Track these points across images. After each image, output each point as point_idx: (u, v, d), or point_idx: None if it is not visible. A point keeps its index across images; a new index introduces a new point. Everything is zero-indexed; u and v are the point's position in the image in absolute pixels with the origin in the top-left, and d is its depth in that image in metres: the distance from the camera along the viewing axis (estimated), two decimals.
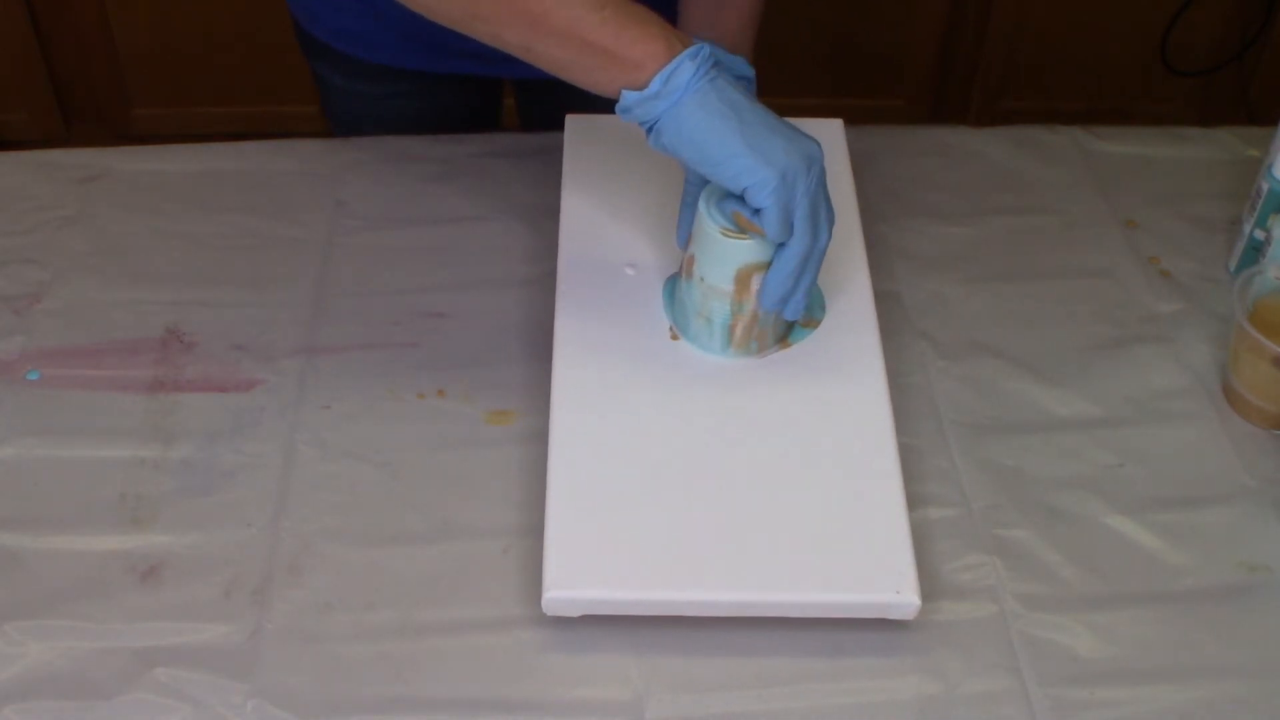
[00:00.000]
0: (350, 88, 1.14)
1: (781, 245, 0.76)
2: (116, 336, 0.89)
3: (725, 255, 0.79)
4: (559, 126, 1.05)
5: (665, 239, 0.89)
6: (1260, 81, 2.20)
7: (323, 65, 1.14)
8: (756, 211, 0.75)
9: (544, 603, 0.70)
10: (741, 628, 0.73)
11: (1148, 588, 0.77)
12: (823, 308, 0.85)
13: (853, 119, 1.12)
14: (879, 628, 0.73)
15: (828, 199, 0.76)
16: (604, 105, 0.99)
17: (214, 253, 0.95)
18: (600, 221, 0.89)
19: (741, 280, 0.80)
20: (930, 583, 0.74)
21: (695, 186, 0.82)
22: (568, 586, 0.71)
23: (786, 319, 0.81)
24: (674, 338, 0.84)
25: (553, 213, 0.94)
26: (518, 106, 1.22)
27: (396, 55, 1.06)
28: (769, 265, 0.79)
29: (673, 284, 0.86)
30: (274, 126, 1.78)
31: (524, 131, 1.07)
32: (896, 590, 0.71)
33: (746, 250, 0.78)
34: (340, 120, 1.17)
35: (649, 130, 0.75)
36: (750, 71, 0.80)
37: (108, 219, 0.98)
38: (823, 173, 0.75)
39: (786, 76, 2.17)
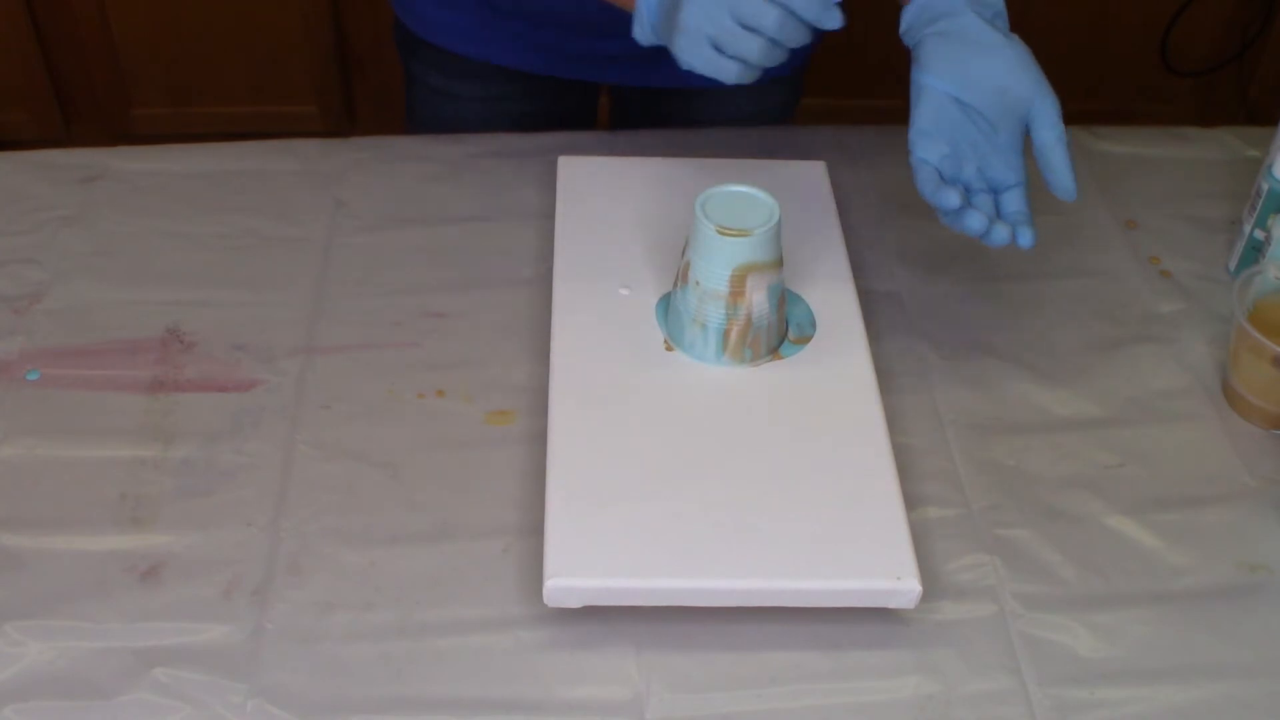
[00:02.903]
0: (446, 88, 1.13)
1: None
2: (116, 336, 0.89)
3: (722, 255, 0.79)
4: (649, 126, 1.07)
5: (658, 265, 0.89)
6: (1260, 81, 2.20)
7: (418, 64, 1.13)
8: None
9: (545, 592, 0.71)
10: (742, 627, 0.73)
11: (1148, 588, 0.77)
12: (813, 324, 0.86)
13: (853, 119, 1.12)
14: (879, 627, 0.73)
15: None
16: (694, 116, 1.00)
17: (214, 253, 0.95)
18: (593, 253, 0.90)
19: (737, 281, 0.80)
20: (930, 582, 0.74)
21: None
22: (568, 575, 0.71)
23: (1025, 243, 0.80)
24: (669, 349, 0.84)
25: (553, 213, 0.94)
26: (610, 109, 1.22)
27: (501, 52, 1.06)
28: (764, 266, 0.80)
29: (667, 300, 0.86)
30: (274, 126, 1.78)
31: (526, 132, 1.07)
32: (897, 577, 0.71)
33: (743, 248, 0.79)
34: (426, 125, 1.16)
35: None
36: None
37: (108, 219, 0.98)
38: None
39: None
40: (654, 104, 1.13)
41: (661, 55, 1.05)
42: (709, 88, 1.09)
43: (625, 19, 0.82)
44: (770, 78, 1.10)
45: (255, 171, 1.02)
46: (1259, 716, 0.71)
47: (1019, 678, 0.72)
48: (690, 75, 1.07)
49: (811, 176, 0.98)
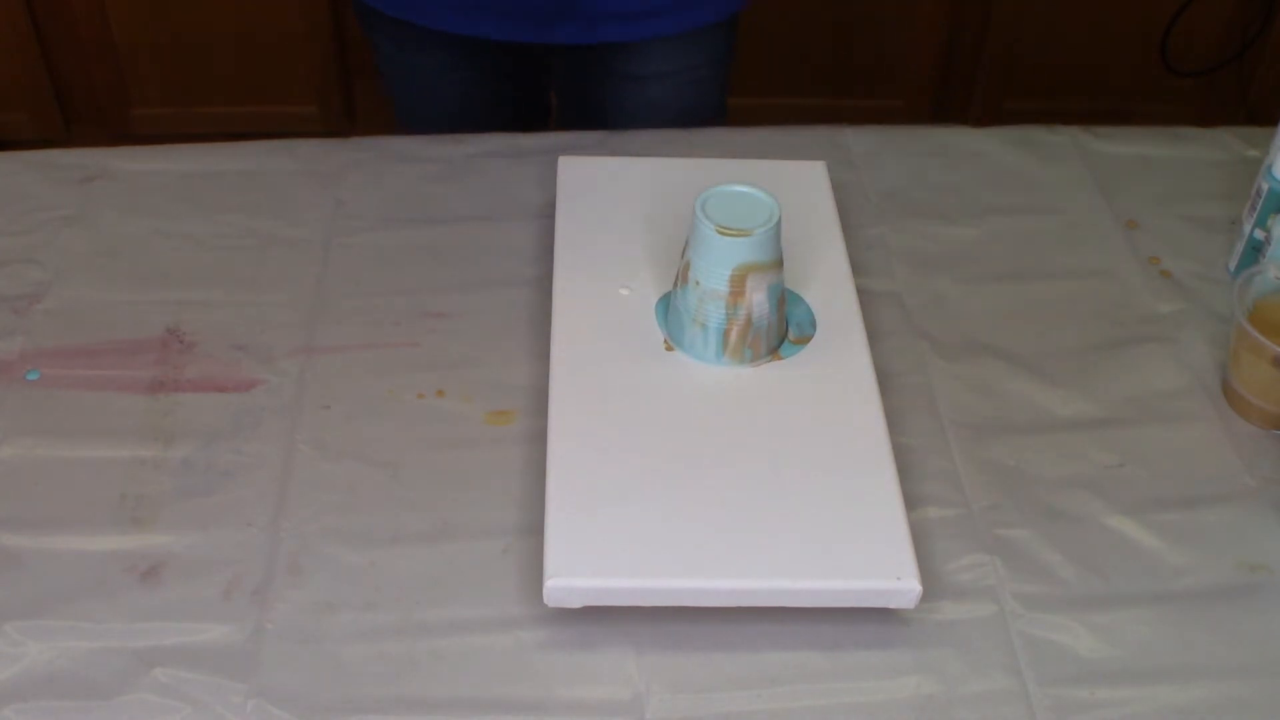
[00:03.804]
0: (402, 59, 1.17)
1: None
2: (116, 336, 0.89)
3: (722, 255, 0.79)
4: (599, 114, 1.10)
5: (658, 266, 0.89)
6: (1260, 81, 2.20)
7: (378, 35, 1.17)
8: None
9: (545, 592, 0.71)
10: (742, 627, 0.73)
11: (1148, 588, 0.77)
12: (813, 324, 0.86)
13: (853, 119, 1.12)
14: (879, 627, 0.73)
15: None
16: (634, 70, 1.06)
17: (214, 253, 0.95)
18: (593, 253, 0.90)
19: (737, 281, 0.80)
20: (930, 583, 0.74)
21: None
22: (568, 575, 0.71)
23: None
24: (669, 349, 0.84)
25: (553, 213, 0.94)
26: (557, 97, 1.26)
27: (439, 17, 1.09)
28: (764, 266, 0.80)
29: (667, 300, 0.86)
30: (274, 126, 1.79)
31: (526, 132, 1.07)
32: (897, 577, 0.71)
33: (743, 248, 0.79)
34: (396, 95, 1.21)
35: None
36: None
37: (108, 219, 0.98)
38: None
39: (787, 77, 2.18)
40: (596, 61, 1.16)
41: (595, 7, 1.06)
42: (646, 39, 1.11)
43: None
44: (703, 24, 1.12)
45: (255, 171, 1.02)
46: (1259, 716, 0.71)
47: (1019, 678, 0.72)
48: (629, 27, 1.09)
49: (811, 176, 0.98)
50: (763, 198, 0.81)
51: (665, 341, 0.85)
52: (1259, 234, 0.94)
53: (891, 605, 0.73)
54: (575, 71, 1.20)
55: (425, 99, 1.18)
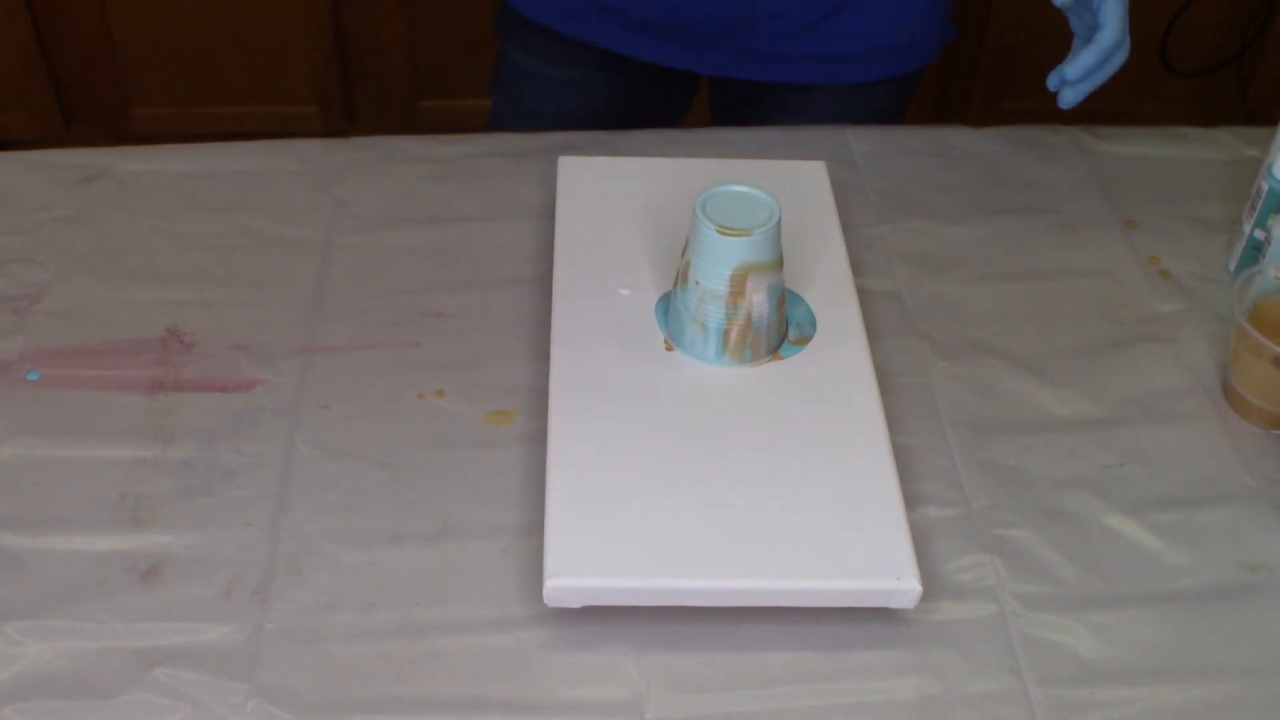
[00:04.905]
0: (535, 69, 1.13)
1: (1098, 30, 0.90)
2: (116, 336, 0.89)
3: (722, 255, 0.79)
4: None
5: (658, 265, 0.89)
6: (1260, 81, 2.20)
7: (511, 44, 1.14)
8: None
9: (545, 592, 0.71)
10: (742, 627, 0.73)
11: (1148, 588, 0.77)
12: (813, 324, 0.86)
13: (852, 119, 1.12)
14: (879, 627, 0.73)
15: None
16: (801, 116, 1.05)
17: (214, 253, 0.95)
18: (593, 253, 0.90)
19: (737, 281, 0.80)
20: (930, 583, 0.74)
21: None
22: (568, 575, 0.71)
23: (1064, 103, 0.93)
24: (669, 349, 0.84)
25: (553, 213, 0.94)
26: (711, 108, 1.22)
27: (591, 27, 1.06)
28: (764, 266, 0.80)
29: (667, 300, 0.86)
30: (274, 126, 1.78)
31: (528, 131, 1.07)
32: (897, 577, 0.71)
33: (743, 248, 0.79)
34: (512, 113, 1.17)
35: None
36: None
37: (108, 219, 0.98)
38: None
39: None
40: (750, 100, 1.13)
41: (757, 43, 1.03)
42: (804, 84, 1.09)
43: None
44: (872, 79, 1.09)
45: (255, 171, 1.02)
46: (1259, 716, 0.71)
47: (1019, 678, 0.72)
48: (781, 69, 1.07)
49: (811, 176, 0.98)
50: (763, 198, 0.81)
51: (665, 341, 0.85)
52: (1259, 234, 0.94)
53: (891, 605, 0.73)
54: (732, 102, 1.17)
55: (549, 115, 1.12)
